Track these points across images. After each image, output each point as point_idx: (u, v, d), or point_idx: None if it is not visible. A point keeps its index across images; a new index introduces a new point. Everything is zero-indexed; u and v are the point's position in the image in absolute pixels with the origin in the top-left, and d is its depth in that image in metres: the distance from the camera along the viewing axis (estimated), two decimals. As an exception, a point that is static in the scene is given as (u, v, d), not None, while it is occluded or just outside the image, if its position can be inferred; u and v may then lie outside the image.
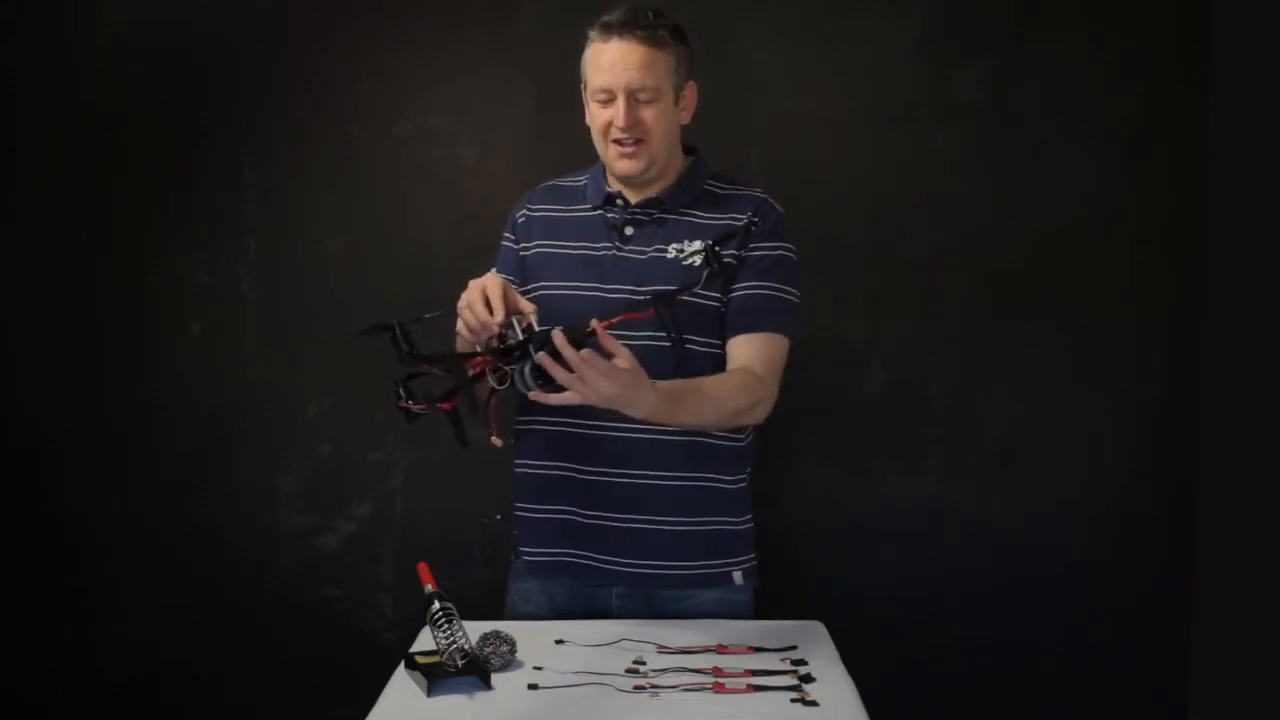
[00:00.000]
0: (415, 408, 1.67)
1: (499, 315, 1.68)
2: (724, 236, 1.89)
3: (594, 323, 1.62)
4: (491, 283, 1.73)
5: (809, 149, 2.57)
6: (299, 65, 2.61)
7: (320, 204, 2.63)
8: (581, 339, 1.60)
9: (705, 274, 1.78)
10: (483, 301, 1.71)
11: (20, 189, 2.65)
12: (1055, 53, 2.54)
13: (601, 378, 1.59)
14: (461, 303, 1.74)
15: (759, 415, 1.92)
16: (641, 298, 1.83)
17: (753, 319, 1.90)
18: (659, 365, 1.82)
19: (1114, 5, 2.53)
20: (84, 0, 2.63)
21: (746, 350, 1.90)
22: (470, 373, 1.66)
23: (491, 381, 1.68)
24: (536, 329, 1.65)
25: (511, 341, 1.65)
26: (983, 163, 2.56)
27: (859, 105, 2.56)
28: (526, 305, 1.73)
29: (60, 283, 2.65)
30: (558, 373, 1.58)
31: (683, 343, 1.79)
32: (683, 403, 1.77)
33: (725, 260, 1.84)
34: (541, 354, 1.59)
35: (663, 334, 1.79)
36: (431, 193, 2.61)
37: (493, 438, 1.73)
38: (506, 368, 1.66)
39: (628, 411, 1.69)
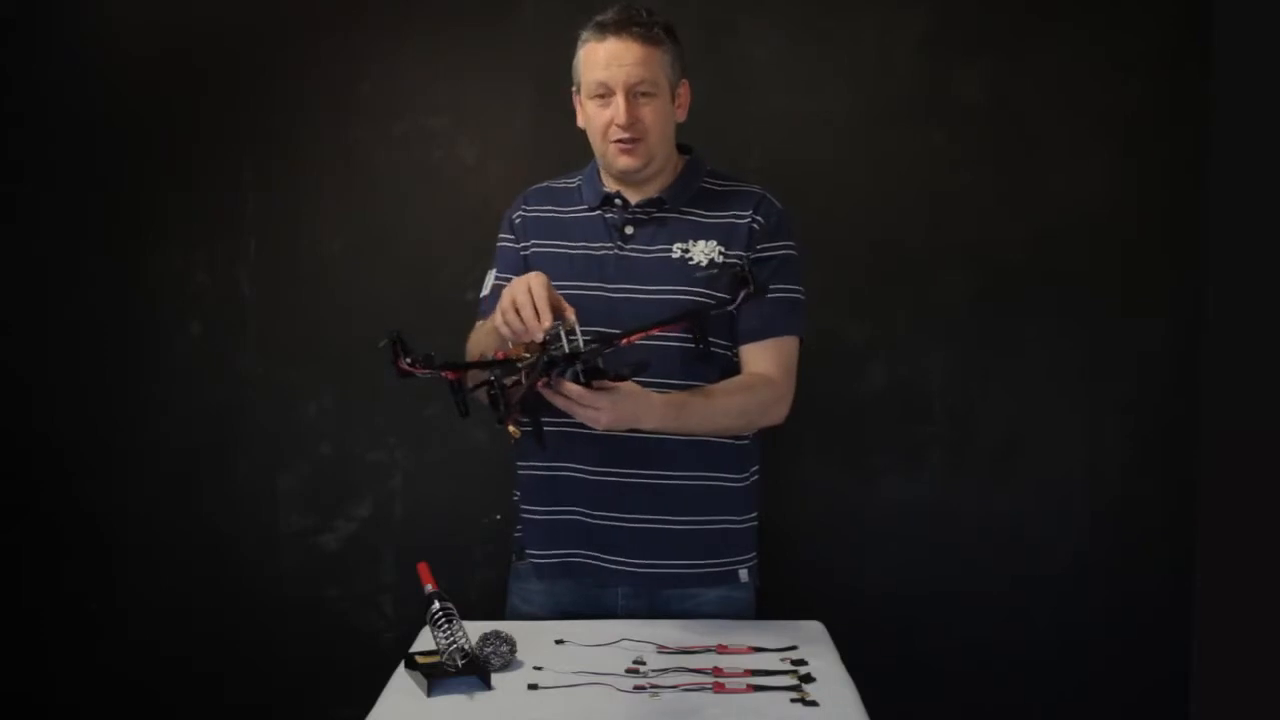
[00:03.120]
0: (420, 371, 1.64)
1: (546, 321, 1.65)
2: (730, 238, 1.90)
3: (627, 340, 1.72)
4: (537, 283, 1.69)
5: (809, 149, 2.57)
6: (299, 65, 2.61)
7: (320, 204, 2.63)
8: (604, 351, 1.67)
9: (743, 294, 1.74)
10: (530, 305, 1.67)
11: (21, 189, 2.64)
12: (1056, 52, 2.54)
13: (596, 411, 1.67)
14: (506, 303, 1.70)
15: (777, 416, 1.94)
16: (666, 301, 1.85)
17: (764, 325, 1.91)
18: (666, 367, 1.82)
19: (1114, 5, 2.53)
20: (85, 0, 2.63)
21: (760, 357, 1.91)
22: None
23: (522, 379, 1.66)
24: (581, 339, 1.64)
25: (555, 352, 1.63)
26: (983, 162, 2.56)
27: (859, 105, 2.56)
28: (568, 307, 1.70)
29: (60, 283, 2.65)
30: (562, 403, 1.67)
31: (709, 352, 1.80)
32: (690, 410, 1.80)
33: (758, 281, 1.77)
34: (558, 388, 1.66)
35: (670, 336, 1.79)
36: (431, 193, 2.61)
37: (510, 428, 1.72)
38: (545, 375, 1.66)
39: (637, 426, 1.75)
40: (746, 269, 1.76)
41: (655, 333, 1.75)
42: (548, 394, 1.66)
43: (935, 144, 2.56)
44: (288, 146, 2.62)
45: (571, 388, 1.65)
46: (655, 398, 1.76)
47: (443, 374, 1.65)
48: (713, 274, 1.89)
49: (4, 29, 2.61)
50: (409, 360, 1.65)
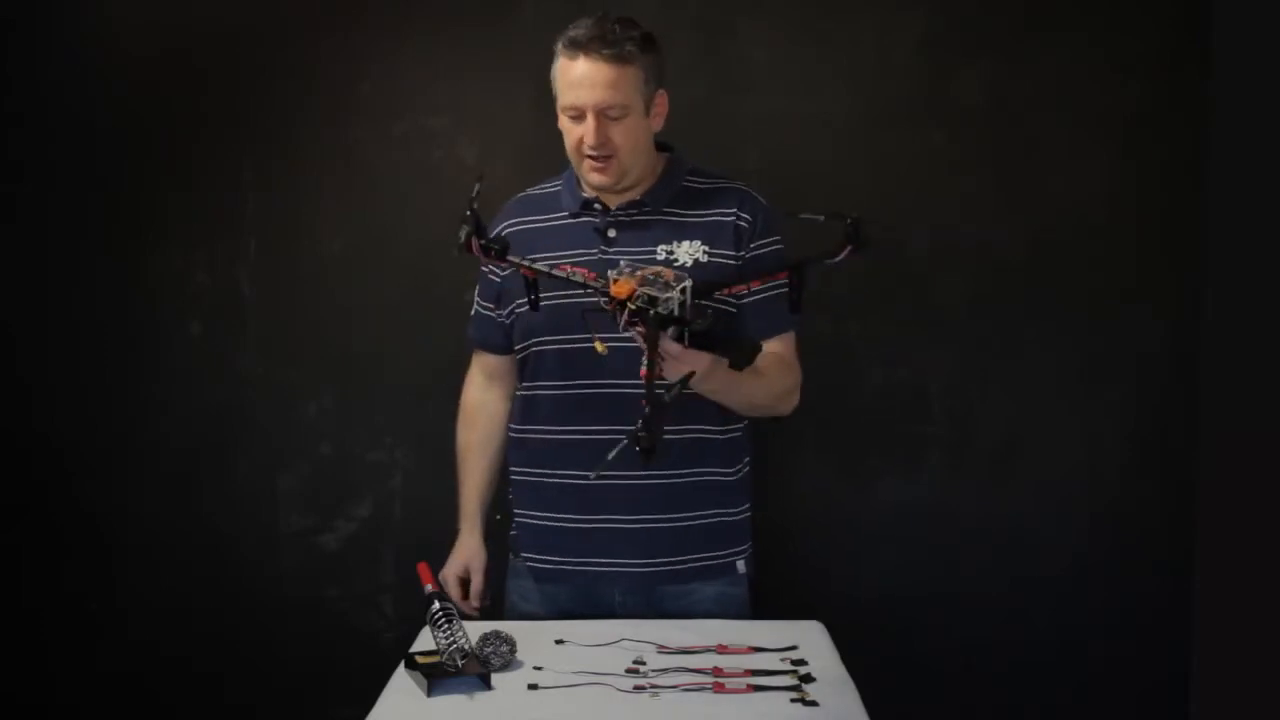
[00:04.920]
0: (491, 259, 1.68)
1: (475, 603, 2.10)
2: (714, 237, 1.91)
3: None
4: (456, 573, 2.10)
5: (809, 149, 2.57)
6: (299, 65, 2.61)
7: (320, 204, 2.63)
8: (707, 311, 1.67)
9: (847, 250, 1.68)
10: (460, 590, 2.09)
11: (21, 189, 2.64)
12: (1055, 53, 2.54)
13: (687, 367, 1.66)
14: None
15: (793, 403, 1.97)
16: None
17: (769, 324, 1.92)
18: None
19: (1114, 5, 2.53)
20: (85, 1, 2.63)
21: (769, 353, 1.90)
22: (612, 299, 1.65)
23: (620, 319, 1.65)
24: (689, 302, 1.64)
25: (665, 311, 1.63)
26: (983, 163, 2.56)
27: (858, 106, 2.56)
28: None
29: (60, 283, 2.65)
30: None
31: (799, 307, 1.78)
32: (742, 380, 1.80)
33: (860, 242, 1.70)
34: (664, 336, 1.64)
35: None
36: (431, 193, 2.61)
37: (596, 344, 1.73)
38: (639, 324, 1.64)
39: (700, 386, 1.73)
40: (855, 225, 1.68)
41: (755, 285, 1.78)
42: (638, 339, 1.66)
43: (934, 145, 2.56)
44: (288, 146, 2.62)
45: (673, 346, 1.65)
46: (723, 363, 1.74)
47: (522, 269, 1.71)
48: (703, 273, 1.89)
49: (4, 29, 2.61)
50: (483, 242, 1.66)
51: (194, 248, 2.63)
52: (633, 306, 1.62)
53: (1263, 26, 2.24)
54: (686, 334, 1.65)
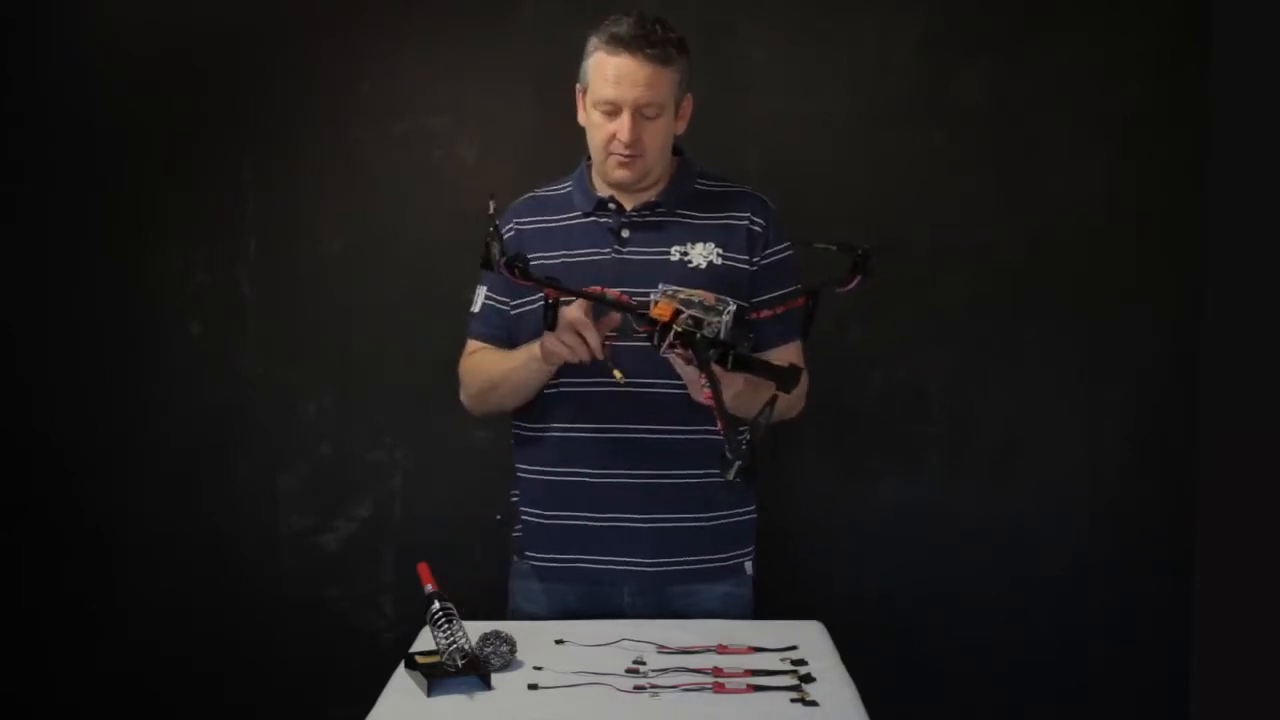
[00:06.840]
0: (518, 280, 1.69)
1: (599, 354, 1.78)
2: (727, 240, 1.92)
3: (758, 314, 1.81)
4: (581, 325, 1.77)
5: (809, 149, 2.57)
6: (299, 65, 2.61)
7: (320, 204, 2.63)
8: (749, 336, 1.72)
9: (857, 280, 1.74)
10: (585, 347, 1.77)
11: (21, 189, 2.64)
12: (1055, 53, 2.54)
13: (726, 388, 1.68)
14: (564, 349, 1.78)
15: (799, 406, 1.98)
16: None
17: (784, 329, 1.92)
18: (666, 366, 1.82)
19: (1114, 5, 2.54)
20: (85, 1, 2.63)
21: (786, 358, 1.88)
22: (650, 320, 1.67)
23: (662, 343, 1.67)
24: (728, 323, 1.67)
25: (710, 333, 1.65)
26: (983, 163, 2.56)
27: (858, 106, 2.56)
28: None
29: (60, 283, 2.65)
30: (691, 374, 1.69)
31: (808, 333, 1.82)
32: (761, 391, 1.78)
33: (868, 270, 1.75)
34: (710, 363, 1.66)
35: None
36: (431, 193, 2.61)
37: (615, 372, 1.76)
38: (683, 345, 1.66)
39: (736, 400, 1.75)
40: (865, 256, 1.72)
41: (780, 310, 1.80)
42: (677, 362, 1.70)
43: (934, 145, 2.56)
44: (288, 146, 2.62)
45: (716, 369, 1.66)
46: (760, 384, 1.75)
47: (546, 290, 1.72)
48: (717, 275, 1.90)
49: (4, 29, 2.61)
50: (504, 259, 1.67)
51: (194, 248, 2.64)
52: (679, 329, 1.65)
53: (1263, 26, 2.24)
54: (731, 357, 1.66)
